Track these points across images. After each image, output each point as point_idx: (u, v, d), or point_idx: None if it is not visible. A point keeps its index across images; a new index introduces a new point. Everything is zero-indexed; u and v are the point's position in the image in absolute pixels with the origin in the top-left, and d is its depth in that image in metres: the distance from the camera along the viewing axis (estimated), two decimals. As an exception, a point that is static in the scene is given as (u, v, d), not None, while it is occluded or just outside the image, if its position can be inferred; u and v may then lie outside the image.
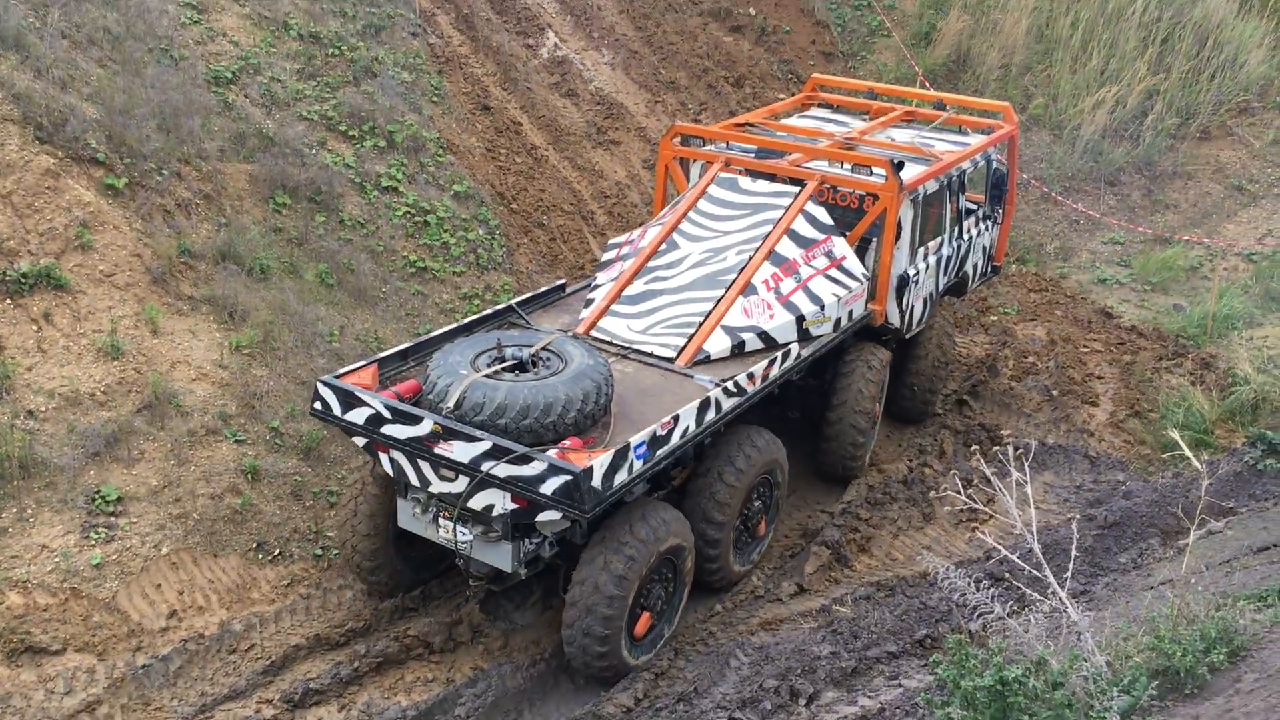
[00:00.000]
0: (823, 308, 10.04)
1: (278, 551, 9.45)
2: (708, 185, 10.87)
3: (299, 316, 11.35)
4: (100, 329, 9.85)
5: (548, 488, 7.44)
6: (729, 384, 8.92)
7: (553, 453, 7.62)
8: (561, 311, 10.46)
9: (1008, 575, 7.73)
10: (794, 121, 13.37)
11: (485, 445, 7.63)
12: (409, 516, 8.61)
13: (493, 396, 7.85)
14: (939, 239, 11.91)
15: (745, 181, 10.85)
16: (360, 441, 8.39)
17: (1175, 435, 7.83)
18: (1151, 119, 18.15)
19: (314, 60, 14.65)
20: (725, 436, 9.26)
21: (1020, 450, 9.44)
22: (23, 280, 9.64)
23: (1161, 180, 17.89)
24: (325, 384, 8.42)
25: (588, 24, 18.86)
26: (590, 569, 8.01)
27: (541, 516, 7.76)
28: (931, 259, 11.78)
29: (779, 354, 9.56)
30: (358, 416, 8.21)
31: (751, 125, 12.64)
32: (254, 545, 9.39)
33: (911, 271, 11.28)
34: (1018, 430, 12.84)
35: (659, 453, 8.13)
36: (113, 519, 8.92)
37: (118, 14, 12.66)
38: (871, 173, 10.71)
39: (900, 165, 10.80)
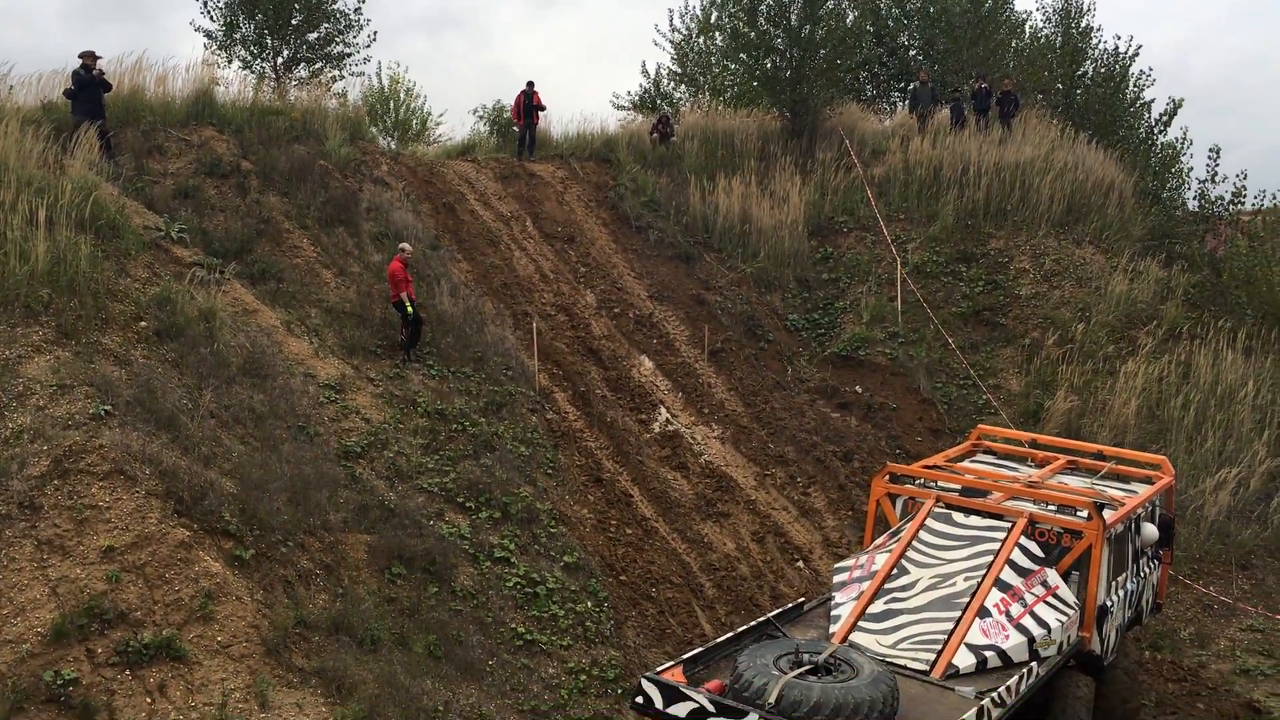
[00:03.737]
0: (1049, 631, 10.80)
1: None
2: (925, 518, 12.05)
3: (405, 690, 11.23)
4: (211, 702, 9.84)
5: None
6: (995, 695, 9.56)
7: None
8: (807, 626, 11.35)
9: None
10: (969, 465, 14.58)
11: None
12: None
13: (808, 695, 8.76)
14: (1124, 575, 12.85)
15: (959, 516, 12.05)
16: None
17: None
18: (1277, 501, 17.66)
19: (438, 435, 15.38)
20: None
21: None
22: (144, 651, 9.81)
23: (1297, 564, 17.13)
24: (650, 679, 9.39)
25: (699, 400, 19.59)
26: None
27: None
28: (1121, 592, 12.68)
29: (1023, 670, 10.24)
30: (680, 710, 9.12)
31: (940, 467, 13.80)
32: None
33: (1109, 603, 12.14)
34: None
35: None
36: None
37: (264, 395, 13.63)
38: (1076, 513, 11.88)
39: (1102, 507, 11.98)
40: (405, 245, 17.18)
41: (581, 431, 17.70)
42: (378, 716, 10.76)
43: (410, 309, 16.58)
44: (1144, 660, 15.08)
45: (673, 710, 9.21)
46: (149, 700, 9.62)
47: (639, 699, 9.47)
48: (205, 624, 10.35)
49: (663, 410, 19.04)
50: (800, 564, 16.84)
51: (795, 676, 9.08)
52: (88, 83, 16.59)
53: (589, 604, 14.12)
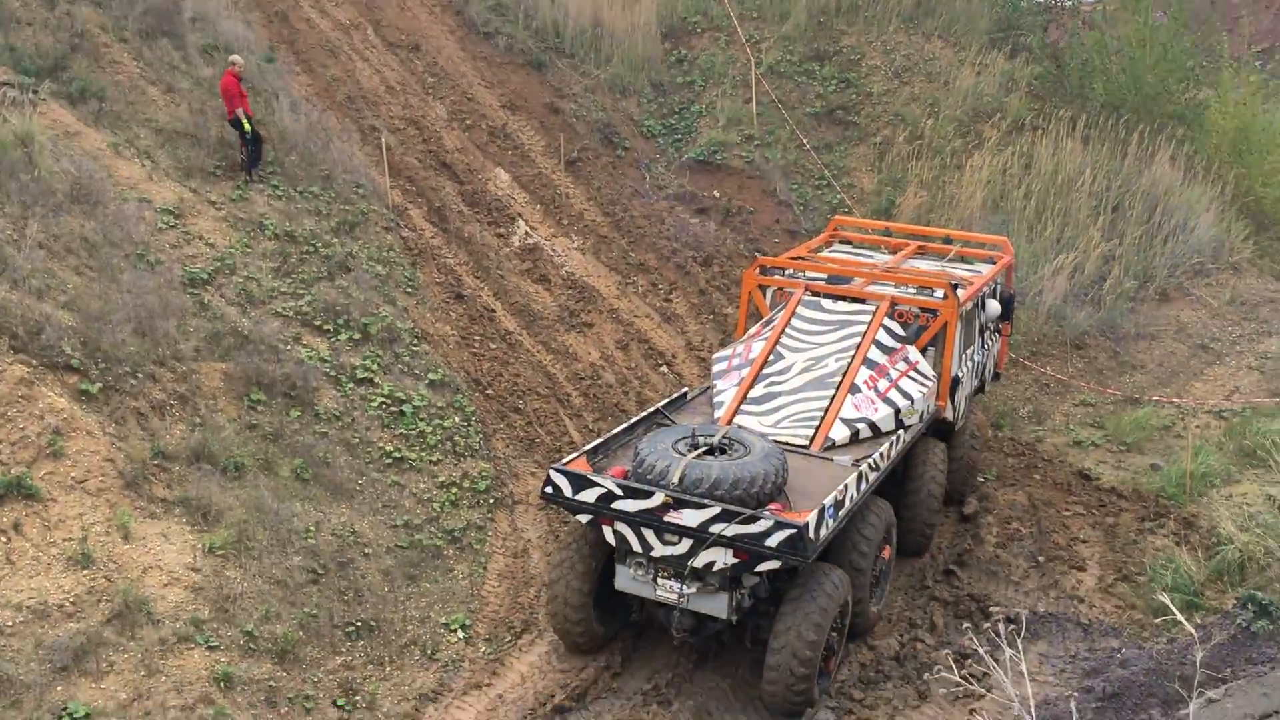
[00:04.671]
0: (913, 402, 11.91)
1: (251, 765, 9.05)
2: (796, 306, 12.81)
3: (274, 514, 11.20)
4: (71, 537, 9.65)
5: (773, 541, 9.01)
6: (870, 461, 10.67)
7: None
8: (693, 413, 12.10)
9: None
10: (828, 254, 15.47)
11: (714, 510, 9.22)
12: (627, 579, 10.01)
13: (708, 473, 9.47)
14: (972, 348, 14.05)
15: (827, 303, 12.89)
16: (584, 518, 9.91)
17: (1165, 599, 7.85)
18: (1110, 283, 18.62)
19: (289, 258, 14.90)
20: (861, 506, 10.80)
21: (1012, 623, 9.32)
22: (-8, 492, 9.50)
23: (1126, 342, 18.22)
24: (558, 470, 10.03)
25: (557, 212, 19.37)
26: (794, 619, 9.47)
27: (760, 567, 9.27)
28: (970, 364, 13.93)
29: (893, 438, 11.49)
30: (589, 496, 9.78)
31: (803, 258, 14.52)
32: (226, 760, 8.99)
33: (960, 374, 13.30)
34: (1007, 599, 12.63)
35: (839, 514, 9.74)
36: (78, 739, 8.54)
37: (95, 222, 12.90)
38: (933, 293, 12.93)
39: (957, 286, 12.97)
40: (236, 58, 16.16)
41: (439, 248, 17.39)
42: (247, 540, 10.75)
43: (248, 126, 15.74)
44: (986, 438, 16.04)
45: (581, 497, 9.80)
46: (4, 539, 9.37)
47: (548, 489, 10.01)
48: (56, 460, 10.04)
49: (521, 223, 18.80)
50: (664, 368, 17.14)
51: (695, 458, 9.72)
52: None
53: (456, 419, 14.18)
